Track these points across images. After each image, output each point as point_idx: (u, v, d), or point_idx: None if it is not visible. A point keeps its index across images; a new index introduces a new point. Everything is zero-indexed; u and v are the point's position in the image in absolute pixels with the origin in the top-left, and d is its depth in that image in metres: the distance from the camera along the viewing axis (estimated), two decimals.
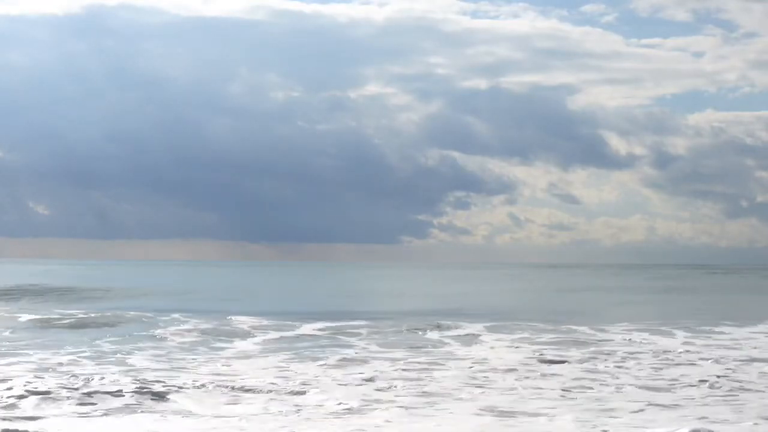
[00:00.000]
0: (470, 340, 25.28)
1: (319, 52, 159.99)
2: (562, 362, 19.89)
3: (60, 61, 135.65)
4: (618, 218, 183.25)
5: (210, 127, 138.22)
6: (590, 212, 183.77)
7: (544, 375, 17.87)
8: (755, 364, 19.67)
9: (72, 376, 16.83)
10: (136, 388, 15.24)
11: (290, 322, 30.11)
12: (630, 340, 24.87)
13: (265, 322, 30.38)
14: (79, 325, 30.21)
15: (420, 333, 27.50)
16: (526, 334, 26.83)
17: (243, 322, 30.70)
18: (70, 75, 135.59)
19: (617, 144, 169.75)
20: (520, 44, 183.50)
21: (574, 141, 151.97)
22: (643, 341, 24.60)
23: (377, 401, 14.65)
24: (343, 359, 20.46)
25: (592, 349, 22.59)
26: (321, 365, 19.30)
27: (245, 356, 21.24)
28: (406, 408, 14.06)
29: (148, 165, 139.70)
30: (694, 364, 19.50)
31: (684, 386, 16.39)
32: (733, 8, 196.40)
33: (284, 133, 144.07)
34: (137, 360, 20.15)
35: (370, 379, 17.04)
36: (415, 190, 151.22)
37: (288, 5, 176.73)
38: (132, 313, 34.88)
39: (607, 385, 16.62)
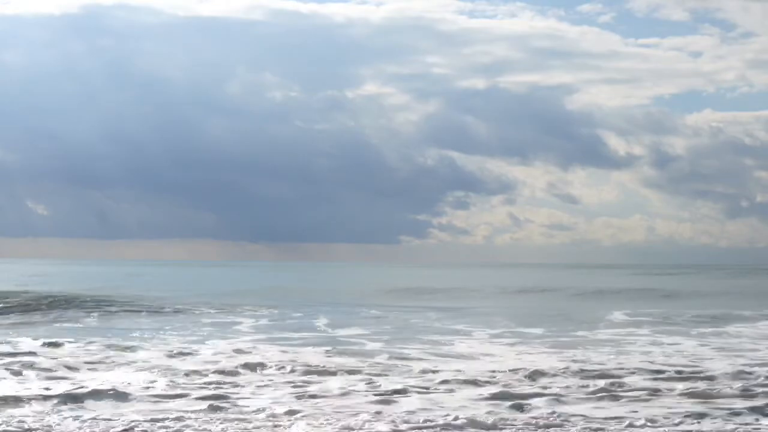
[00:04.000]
0: None
1: (316, 52, 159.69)
2: None
3: (57, 60, 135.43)
4: (618, 218, 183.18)
5: (208, 127, 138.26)
6: (590, 212, 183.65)
7: None
8: None
9: None
10: None
11: None
12: None
13: None
14: None
15: None
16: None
17: None
18: (68, 75, 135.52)
19: (616, 144, 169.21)
20: (518, 44, 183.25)
21: (572, 141, 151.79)
22: None
23: None
24: None
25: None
26: None
27: None
28: None
29: (146, 165, 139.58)
30: None
31: None
32: (730, 8, 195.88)
33: (282, 133, 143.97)
34: None
35: None
36: (413, 190, 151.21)
37: (285, 5, 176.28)
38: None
39: None
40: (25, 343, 22.90)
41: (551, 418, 13.42)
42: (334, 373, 17.50)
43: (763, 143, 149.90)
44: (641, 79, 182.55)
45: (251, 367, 18.32)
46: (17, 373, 17.24)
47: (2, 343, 22.90)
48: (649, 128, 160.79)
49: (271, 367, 18.28)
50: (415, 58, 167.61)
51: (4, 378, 16.76)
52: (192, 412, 13.68)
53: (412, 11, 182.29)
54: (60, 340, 23.33)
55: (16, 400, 14.34)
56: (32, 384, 15.99)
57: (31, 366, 17.98)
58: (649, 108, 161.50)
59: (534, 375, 17.34)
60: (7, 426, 12.42)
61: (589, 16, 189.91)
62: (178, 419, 13.13)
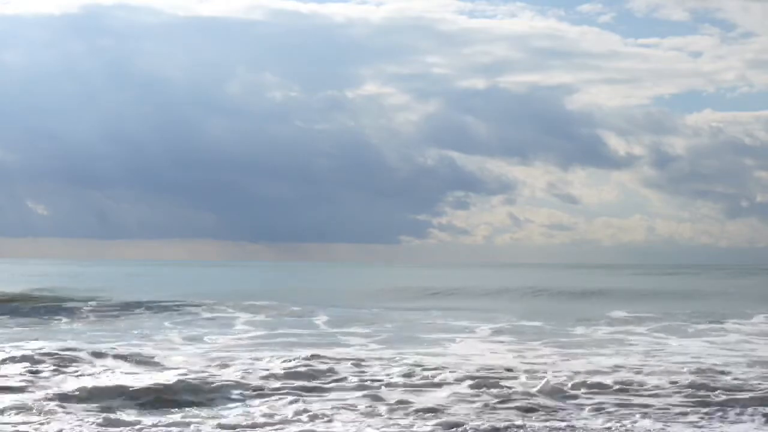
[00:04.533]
0: None
1: (316, 52, 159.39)
2: None
3: (57, 60, 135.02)
4: (618, 218, 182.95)
5: (208, 127, 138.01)
6: (590, 212, 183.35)
7: None
8: None
9: None
10: None
11: None
12: None
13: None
14: None
15: None
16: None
17: None
18: (68, 75, 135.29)
19: (616, 144, 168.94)
20: (518, 44, 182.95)
21: (572, 141, 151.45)
22: None
23: None
24: None
25: None
26: None
27: None
28: None
29: (146, 165, 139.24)
30: None
31: None
32: (730, 8, 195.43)
33: (282, 133, 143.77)
34: None
35: None
36: (413, 190, 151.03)
37: (285, 5, 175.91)
38: None
39: None
40: (23, 342, 22.92)
41: (549, 417, 13.46)
42: (332, 371, 17.52)
43: (763, 143, 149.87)
44: (641, 79, 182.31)
45: (250, 364, 18.36)
46: (15, 373, 17.27)
47: (2, 342, 22.94)
48: (649, 128, 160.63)
49: (269, 365, 18.31)
50: (415, 58, 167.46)
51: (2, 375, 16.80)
52: (192, 410, 13.73)
53: (412, 11, 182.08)
54: (58, 338, 23.37)
55: (12, 399, 14.38)
56: (30, 383, 16.02)
57: (29, 364, 18.00)
58: (649, 108, 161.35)
59: (532, 373, 17.39)
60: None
61: (589, 16, 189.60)
62: (180, 417, 13.18)
